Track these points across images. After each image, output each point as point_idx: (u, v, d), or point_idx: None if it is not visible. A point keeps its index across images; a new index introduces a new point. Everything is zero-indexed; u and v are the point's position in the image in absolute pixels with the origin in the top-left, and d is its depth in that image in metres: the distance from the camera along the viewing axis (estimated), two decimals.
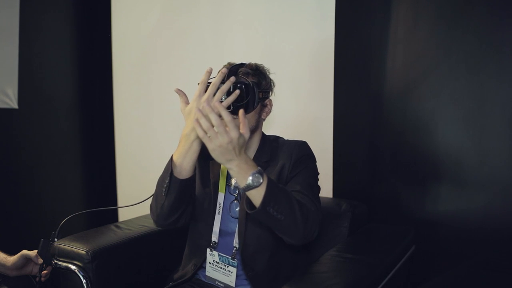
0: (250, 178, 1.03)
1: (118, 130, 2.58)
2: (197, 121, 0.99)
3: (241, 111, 1.04)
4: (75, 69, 2.63)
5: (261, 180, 1.04)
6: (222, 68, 1.07)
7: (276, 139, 1.40)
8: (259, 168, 1.06)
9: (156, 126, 2.42)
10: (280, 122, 1.93)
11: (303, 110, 1.97)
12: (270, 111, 1.35)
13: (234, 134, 0.99)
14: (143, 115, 2.47)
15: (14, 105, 2.32)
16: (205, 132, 1.00)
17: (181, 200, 1.24)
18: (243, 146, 1.02)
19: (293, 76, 1.96)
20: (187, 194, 1.25)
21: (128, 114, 2.53)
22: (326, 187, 1.90)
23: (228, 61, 1.33)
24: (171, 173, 1.19)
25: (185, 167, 1.19)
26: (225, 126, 1.00)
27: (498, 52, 1.59)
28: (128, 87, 2.52)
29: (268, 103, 1.33)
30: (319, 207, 1.23)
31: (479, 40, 1.62)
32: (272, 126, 1.89)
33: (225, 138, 0.98)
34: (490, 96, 1.61)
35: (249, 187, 1.04)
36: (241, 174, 1.04)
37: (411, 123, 1.77)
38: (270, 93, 1.35)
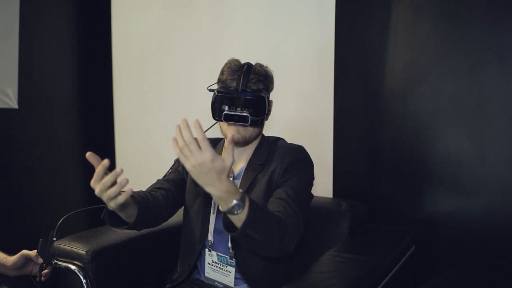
0: (231, 205, 0.99)
1: (118, 130, 2.58)
2: (174, 138, 0.94)
3: (229, 138, 0.97)
4: (75, 69, 2.63)
5: (242, 209, 1.00)
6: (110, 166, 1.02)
7: (276, 141, 1.39)
8: (241, 194, 1.00)
9: (156, 126, 2.42)
10: (281, 123, 1.93)
11: (304, 111, 1.97)
12: (271, 109, 1.35)
13: (206, 156, 0.92)
14: (143, 115, 2.47)
15: (14, 105, 2.32)
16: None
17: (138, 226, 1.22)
18: (223, 172, 0.95)
19: (294, 76, 1.96)
20: (141, 223, 1.21)
21: (128, 114, 2.53)
22: (326, 187, 1.90)
23: (229, 58, 1.33)
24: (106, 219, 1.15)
25: (122, 215, 1.14)
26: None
27: (498, 52, 1.59)
28: (128, 87, 2.52)
29: (271, 103, 1.34)
30: (300, 218, 1.20)
31: (479, 40, 1.62)
32: (273, 126, 1.89)
33: (197, 159, 0.92)
34: (490, 96, 1.61)
35: (230, 213, 1.01)
36: (222, 200, 0.99)
37: (411, 123, 1.77)
38: None
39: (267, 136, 1.40)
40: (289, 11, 1.97)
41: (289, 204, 1.20)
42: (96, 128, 2.70)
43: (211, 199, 1.34)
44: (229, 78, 1.27)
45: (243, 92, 1.24)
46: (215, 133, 1.41)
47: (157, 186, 1.36)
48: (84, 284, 1.33)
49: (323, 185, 1.87)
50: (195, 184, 1.37)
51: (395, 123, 1.80)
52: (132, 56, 2.48)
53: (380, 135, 1.84)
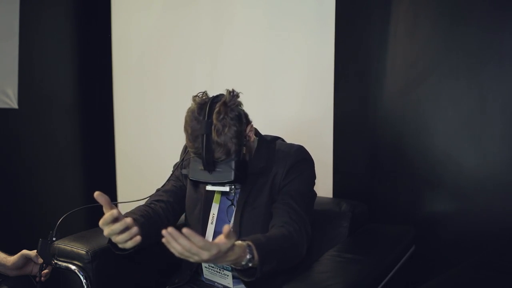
0: (245, 263, 1.01)
1: (118, 130, 2.58)
2: (168, 243, 0.91)
3: (226, 227, 0.91)
4: (75, 69, 2.63)
5: (253, 258, 1.02)
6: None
7: (274, 140, 1.38)
8: (247, 247, 1.01)
9: (155, 126, 2.42)
10: (281, 123, 1.93)
11: (304, 111, 1.96)
12: (253, 129, 1.29)
13: (212, 253, 0.91)
14: (143, 115, 2.47)
15: (14, 105, 2.32)
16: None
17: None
18: (228, 250, 0.95)
19: (294, 76, 1.96)
20: (145, 243, 1.20)
21: (128, 114, 2.53)
22: (326, 187, 1.90)
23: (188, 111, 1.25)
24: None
25: None
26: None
27: (498, 52, 1.59)
28: (128, 87, 2.52)
29: (249, 129, 1.25)
30: (307, 220, 1.22)
31: (479, 40, 1.62)
32: (273, 127, 1.88)
33: (202, 258, 0.91)
34: (490, 96, 1.61)
35: (244, 267, 1.03)
36: (234, 264, 1.01)
37: (411, 123, 1.77)
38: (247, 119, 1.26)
39: (265, 135, 1.39)
40: (289, 11, 1.96)
41: (294, 209, 1.21)
42: (96, 128, 2.70)
43: (210, 206, 1.33)
44: (193, 154, 1.21)
45: (213, 173, 1.18)
46: None
47: (156, 199, 1.36)
48: (84, 284, 1.32)
49: (323, 185, 1.87)
50: (195, 190, 1.37)
51: (395, 123, 1.80)
52: (132, 56, 2.48)
53: (380, 135, 1.84)
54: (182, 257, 0.93)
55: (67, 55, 2.60)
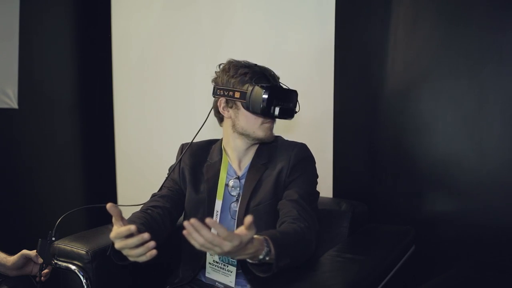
0: (262, 256, 1.00)
1: (118, 130, 2.58)
2: (190, 235, 0.90)
3: (247, 218, 0.92)
4: (75, 69, 2.63)
5: (269, 257, 1.01)
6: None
7: (275, 138, 1.39)
8: (264, 241, 1.01)
9: (156, 126, 2.42)
10: (281, 122, 1.92)
11: (304, 110, 1.95)
12: None
13: (234, 244, 0.90)
14: (143, 115, 2.47)
15: (14, 105, 2.32)
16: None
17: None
18: (248, 243, 0.94)
19: (294, 76, 1.95)
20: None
21: (128, 114, 2.53)
22: (326, 187, 1.90)
23: (232, 62, 1.33)
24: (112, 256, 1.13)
25: None
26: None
27: (498, 52, 1.59)
28: (128, 87, 2.52)
29: None
30: (314, 217, 1.23)
31: (479, 40, 1.62)
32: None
33: (224, 249, 0.90)
34: (490, 96, 1.61)
35: (261, 261, 1.02)
36: (252, 258, 1.01)
37: (411, 123, 1.77)
38: None
39: None
40: (289, 11, 1.97)
41: (302, 205, 1.22)
42: (96, 128, 2.70)
43: (214, 204, 1.33)
44: (264, 77, 1.29)
45: (286, 87, 1.30)
46: (209, 132, 1.41)
47: (152, 205, 1.34)
48: (84, 284, 1.32)
49: (323, 185, 1.87)
50: (196, 192, 1.36)
51: (395, 123, 1.80)
52: (132, 56, 2.48)
53: (380, 135, 1.84)
54: (202, 249, 0.91)
55: (67, 55, 2.60)
